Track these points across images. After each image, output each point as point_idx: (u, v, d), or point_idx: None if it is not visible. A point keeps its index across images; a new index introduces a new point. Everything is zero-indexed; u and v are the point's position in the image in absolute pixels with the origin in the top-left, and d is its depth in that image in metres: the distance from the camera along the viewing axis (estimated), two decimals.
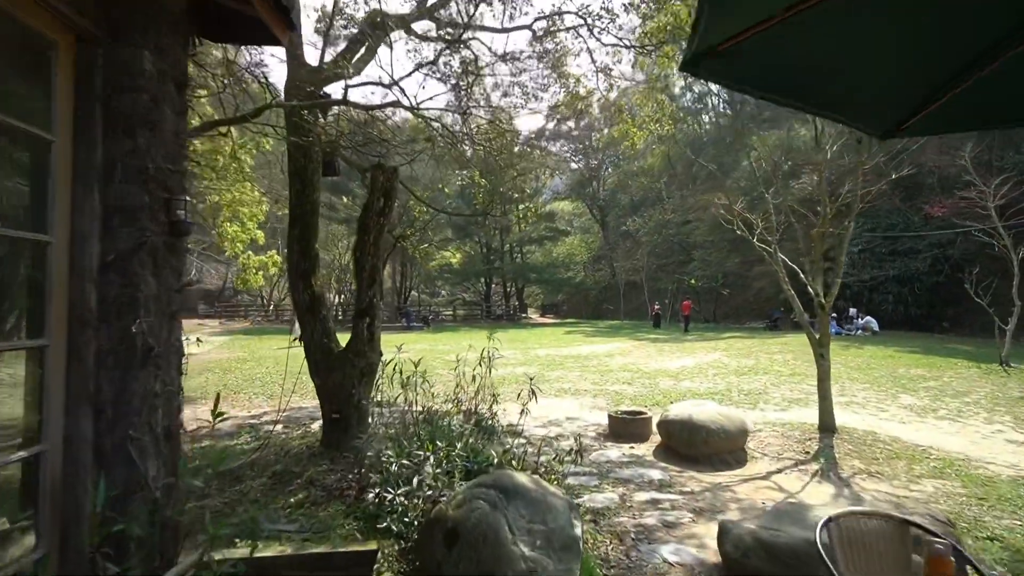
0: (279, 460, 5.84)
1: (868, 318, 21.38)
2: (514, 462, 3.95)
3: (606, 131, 50.78)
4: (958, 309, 22.35)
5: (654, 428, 7.22)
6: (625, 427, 7.29)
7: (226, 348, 21.39)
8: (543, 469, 4.15)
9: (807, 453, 6.35)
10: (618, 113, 11.79)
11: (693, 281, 36.82)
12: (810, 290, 7.24)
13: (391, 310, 44.48)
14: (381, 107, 6.39)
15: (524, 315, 48.06)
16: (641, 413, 7.57)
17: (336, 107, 7.10)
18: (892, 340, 18.96)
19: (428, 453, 3.53)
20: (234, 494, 5.02)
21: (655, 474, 5.69)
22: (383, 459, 3.74)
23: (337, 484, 4.94)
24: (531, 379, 5.00)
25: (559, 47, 11.04)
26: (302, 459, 5.76)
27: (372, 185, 6.25)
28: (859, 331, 20.99)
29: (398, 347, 5.46)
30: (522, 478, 3.41)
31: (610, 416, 7.51)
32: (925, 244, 21.90)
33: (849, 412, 8.58)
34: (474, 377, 5.45)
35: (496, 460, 3.84)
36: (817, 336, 7.15)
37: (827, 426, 6.96)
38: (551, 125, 50.29)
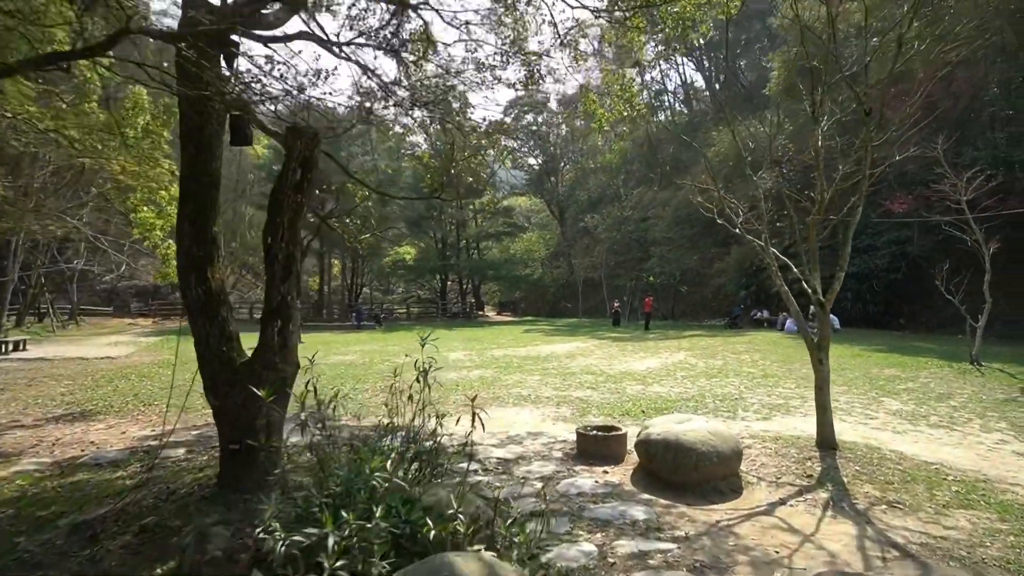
0: (158, 505, 4.51)
1: (830, 315, 21.14)
2: (459, 525, 2.78)
3: (564, 128, 50.17)
4: (914, 306, 22.41)
5: (630, 446, 6.21)
6: (597, 446, 6.23)
7: (152, 351, 19.42)
8: (502, 542, 2.99)
9: (810, 477, 5.43)
10: (584, 92, 10.74)
11: (651, 278, 36.45)
12: (806, 286, 6.36)
13: (342, 308, 42.54)
14: (286, 39, 5.10)
15: (481, 313, 46.89)
16: (615, 429, 6.53)
17: (245, 60, 5.76)
18: (855, 338, 18.66)
19: (327, 530, 2.33)
20: (82, 562, 3.70)
21: (638, 512, 4.63)
22: (269, 533, 2.52)
23: (227, 547, 3.67)
24: (472, 400, 3.84)
25: (518, 20, 10.01)
26: (188, 505, 4.44)
27: (287, 153, 4.98)
28: None
29: (310, 358, 4.18)
30: (471, 567, 2.26)
31: (579, 433, 6.44)
32: (883, 241, 21.79)
33: (837, 420, 7.76)
34: (411, 396, 4.27)
35: (434, 533, 2.67)
36: (815, 339, 6.27)
37: (827, 442, 6.08)
38: (509, 119, 49.28)
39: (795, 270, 6.64)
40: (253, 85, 4.94)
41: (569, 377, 12.32)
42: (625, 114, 10.38)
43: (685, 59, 53.93)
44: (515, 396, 10.14)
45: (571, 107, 45.18)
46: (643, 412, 8.53)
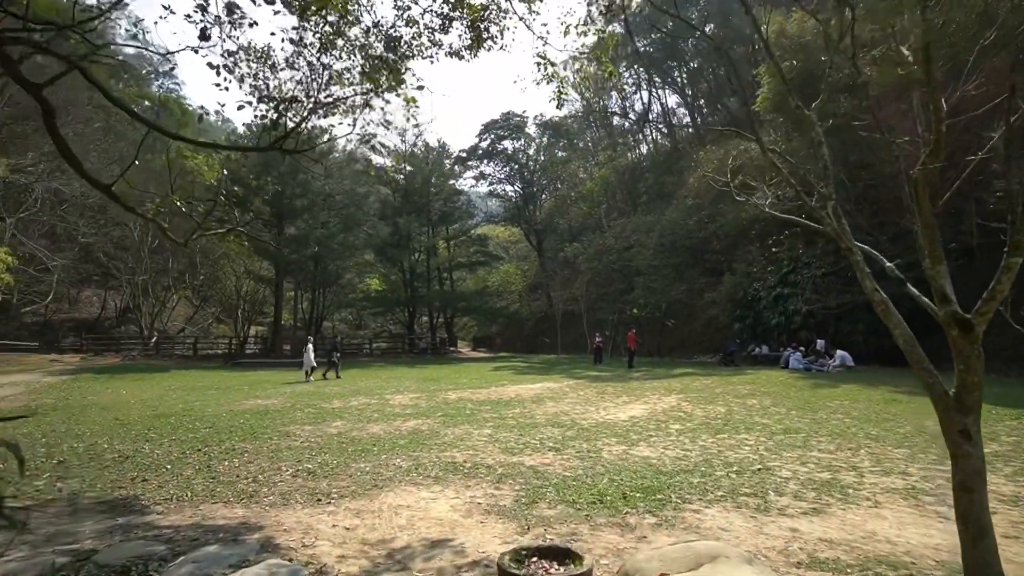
0: None
1: (842, 352, 18.30)
2: None
3: (542, 156, 48.09)
4: (934, 339, 19.67)
5: None
6: None
7: (43, 393, 15.97)
8: None
9: None
10: (546, 66, 8.05)
11: (636, 311, 33.60)
12: (911, 290, 3.50)
13: (296, 343, 38.81)
14: None
15: (453, 348, 43.51)
16: (569, 556, 3.47)
17: None
18: (875, 378, 15.76)
19: None
20: None
21: None
22: None
23: None
24: None
25: None
26: None
27: None
28: (833, 368, 17.85)
29: None
30: None
31: (502, 569, 3.37)
32: (897, 264, 19.23)
33: (936, 520, 4.85)
34: None
35: None
36: (952, 390, 3.33)
37: None
38: (485, 144, 47.14)
39: (888, 265, 3.80)
40: None
41: (529, 431, 9.25)
42: (596, 73, 7.70)
43: (667, 87, 52.68)
44: (443, 465, 7.05)
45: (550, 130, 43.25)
46: (624, 499, 5.49)
